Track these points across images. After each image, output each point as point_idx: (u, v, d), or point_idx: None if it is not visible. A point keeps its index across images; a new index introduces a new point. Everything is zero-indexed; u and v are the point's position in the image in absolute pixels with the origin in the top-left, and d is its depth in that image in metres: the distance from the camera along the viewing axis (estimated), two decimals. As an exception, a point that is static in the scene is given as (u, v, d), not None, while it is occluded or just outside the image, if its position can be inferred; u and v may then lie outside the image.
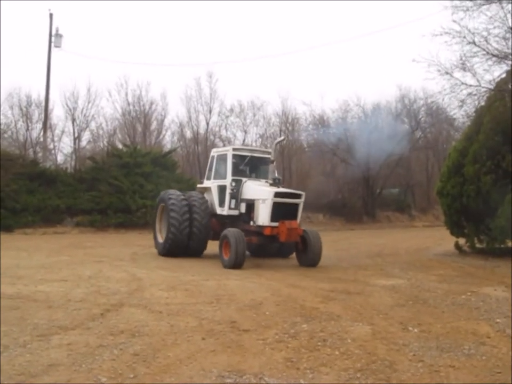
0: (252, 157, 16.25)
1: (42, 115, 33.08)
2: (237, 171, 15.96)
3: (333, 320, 7.41)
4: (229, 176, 15.75)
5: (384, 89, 59.79)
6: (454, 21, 16.09)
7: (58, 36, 32.39)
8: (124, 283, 10.41)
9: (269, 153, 16.75)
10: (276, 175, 16.08)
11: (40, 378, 4.91)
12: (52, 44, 32.12)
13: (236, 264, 13.48)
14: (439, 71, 16.36)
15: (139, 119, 38.99)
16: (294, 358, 5.69)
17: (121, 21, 72.60)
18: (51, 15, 32.25)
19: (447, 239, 18.40)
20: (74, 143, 35.38)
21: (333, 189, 38.48)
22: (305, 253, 14.53)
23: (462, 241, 17.08)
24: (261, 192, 14.80)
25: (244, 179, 15.72)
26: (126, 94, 38.42)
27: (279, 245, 15.93)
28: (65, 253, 16.22)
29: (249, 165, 16.31)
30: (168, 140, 42.67)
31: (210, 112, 38.58)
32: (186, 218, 15.81)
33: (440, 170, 22.07)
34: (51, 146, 36.14)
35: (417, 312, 8.10)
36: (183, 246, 15.92)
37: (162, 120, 40.65)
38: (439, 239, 22.18)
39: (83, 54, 58.74)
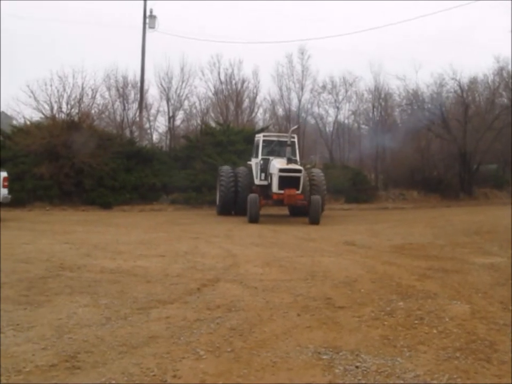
0: (278, 141, 21.77)
1: (138, 95, 33.86)
2: (267, 152, 21.44)
3: (430, 298, 7.28)
4: (259, 156, 21.28)
5: (481, 62, 57.19)
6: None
7: (152, 17, 32.97)
8: (219, 259, 10.60)
9: (292, 137, 20.69)
10: (298, 154, 21.25)
11: (140, 350, 5.08)
12: (147, 25, 32.80)
13: (251, 220, 19.00)
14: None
15: (231, 97, 39.10)
16: (390, 336, 5.63)
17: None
18: (145, -4, 32.99)
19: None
20: (169, 122, 35.85)
21: (428, 165, 37.45)
22: (310, 213, 19.46)
23: None
24: (274, 168, 19.60)
25: (271, 158, 20.71)
26: (219, 73, 38.47)
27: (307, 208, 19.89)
28: (162, 230, 16.67)
29: (276, 147, 21.70)
30: (260, 118, 42.55)
31: (302, 89, 38.10)
32: (232, 185, 21.90)
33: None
34: (147, 125, 36.91)
35: (519, 292, 7.81)
36: (230, 205, 22.24)
37: (254, 98, 40.46)
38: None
39: (176, 33, 59.28)
